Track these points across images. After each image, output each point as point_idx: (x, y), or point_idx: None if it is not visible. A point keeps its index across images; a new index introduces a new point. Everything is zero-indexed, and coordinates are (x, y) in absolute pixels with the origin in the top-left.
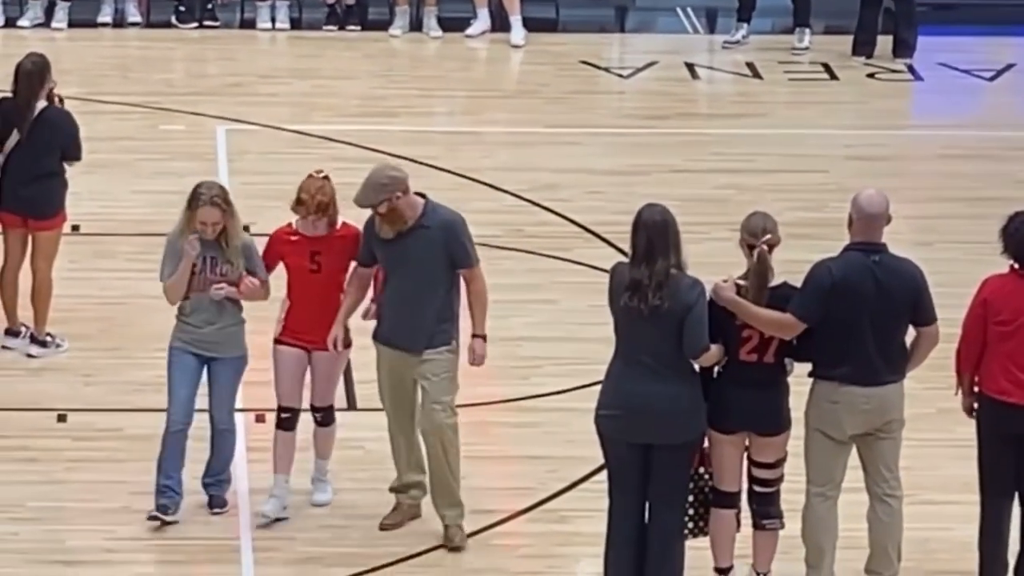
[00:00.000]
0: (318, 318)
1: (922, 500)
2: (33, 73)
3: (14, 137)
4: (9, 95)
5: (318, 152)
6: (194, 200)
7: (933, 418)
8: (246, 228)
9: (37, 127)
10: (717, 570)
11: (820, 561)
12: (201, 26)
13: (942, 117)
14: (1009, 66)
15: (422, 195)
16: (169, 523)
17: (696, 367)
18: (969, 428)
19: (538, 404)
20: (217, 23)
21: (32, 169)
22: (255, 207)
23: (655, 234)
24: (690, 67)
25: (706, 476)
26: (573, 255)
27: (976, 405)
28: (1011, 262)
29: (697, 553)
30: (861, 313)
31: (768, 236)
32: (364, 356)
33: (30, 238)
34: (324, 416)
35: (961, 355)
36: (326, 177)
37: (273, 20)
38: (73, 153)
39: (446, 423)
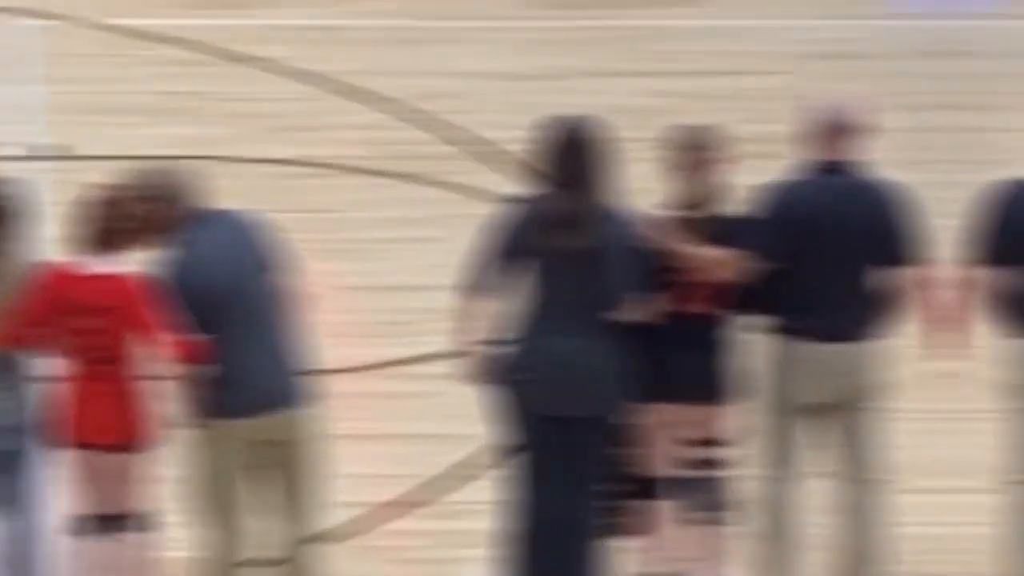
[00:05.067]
0: None
1: (910, 488)
2: None
3: None
4: None
5: (150, 54)
6: None
7: (920, 384)
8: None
9: None
10: None
11: (778, 561)
12: None
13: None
14: None
15: None
16: None
17: (622, 323)
18: (963, 397)
19: (415, 370)
20: None
21: None
22: (74, 123)
23: (579, 156)
24: None
25: (633, 459)
26: (462, 180)
27: None
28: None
29: (621, 555)
30: (823, 250)
31: (710, 153)
32: None
33: None
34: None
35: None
36: None
37: None
38: None
39: None
